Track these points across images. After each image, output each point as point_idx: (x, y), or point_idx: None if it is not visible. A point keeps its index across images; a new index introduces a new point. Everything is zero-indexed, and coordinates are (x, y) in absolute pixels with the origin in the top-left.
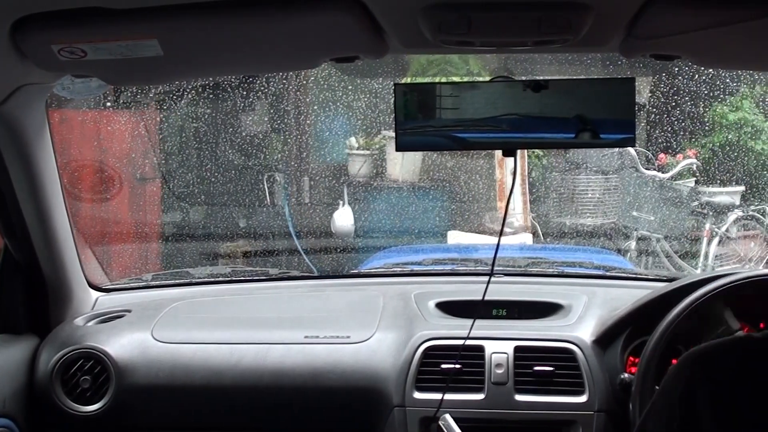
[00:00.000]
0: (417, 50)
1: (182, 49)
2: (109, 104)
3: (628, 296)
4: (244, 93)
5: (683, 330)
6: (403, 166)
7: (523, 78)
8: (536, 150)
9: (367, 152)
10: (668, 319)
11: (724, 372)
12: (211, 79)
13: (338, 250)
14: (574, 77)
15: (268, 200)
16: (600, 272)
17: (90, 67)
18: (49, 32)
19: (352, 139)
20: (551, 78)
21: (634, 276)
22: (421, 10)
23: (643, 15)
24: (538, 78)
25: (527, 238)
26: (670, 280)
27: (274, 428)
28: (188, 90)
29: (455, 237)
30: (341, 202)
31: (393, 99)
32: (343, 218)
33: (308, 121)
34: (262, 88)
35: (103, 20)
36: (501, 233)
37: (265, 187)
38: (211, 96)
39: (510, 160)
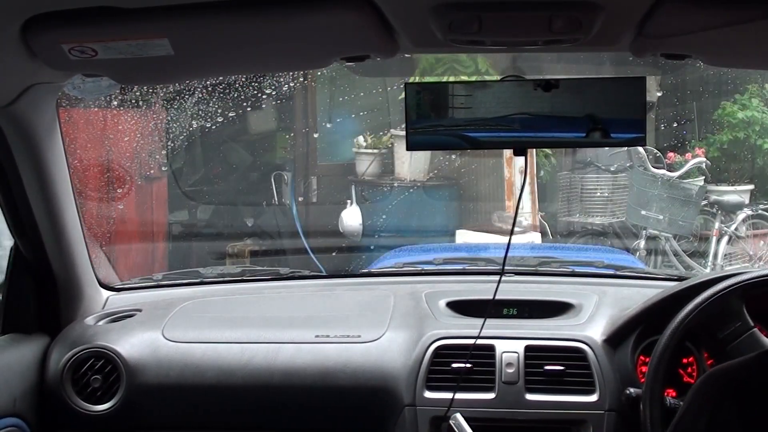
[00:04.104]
0: (427, 49)
1: (192, 48)
2: (116, 103)
3: (638, 295)
4: (253, 92)
5: (696, 326)
6: (411, 165)
7: (534, 77)
8: (545, 149)
9: (375, 151)
10: (684, 312)
11: (750, 389)
12: (221, 78)
13: (346, 249)
14: (585, 76)
15: (276, 199)
16: (610, 271)
17: (100, 66)
18: (60, 31)
19: (360, 138)
20: (562, 77)
21: (644, 275)
22: (431, 10)
23: (654, 14)
24: (548, 77)
25: (536, 237)
26: (681, 279)
27: (285, 427)
28: (197, 88)
29: (463, 236)
30: (349, 201)
31: (404, 98)
32: (352, 217)
33: (316, 120)
34: (272, 87)
35: (113, 20)
36: (512, 232)
37: (273, 186)
38: (219, 95)
39: (518, 159)
